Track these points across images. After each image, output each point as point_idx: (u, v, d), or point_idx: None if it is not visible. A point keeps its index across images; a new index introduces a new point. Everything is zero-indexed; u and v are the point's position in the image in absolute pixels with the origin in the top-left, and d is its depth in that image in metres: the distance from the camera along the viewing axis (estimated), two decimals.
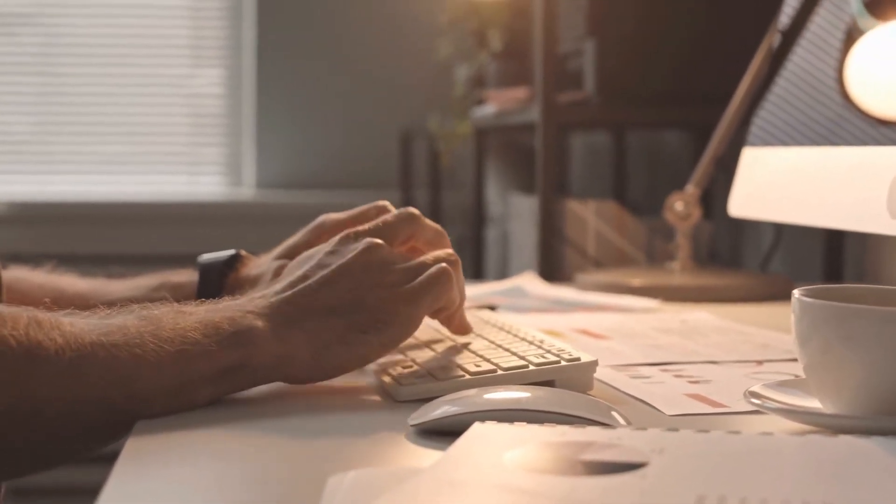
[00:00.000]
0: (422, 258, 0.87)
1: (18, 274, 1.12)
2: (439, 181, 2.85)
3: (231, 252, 1.06)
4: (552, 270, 1.70)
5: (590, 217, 1.72)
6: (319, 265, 0.84)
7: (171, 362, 0.74)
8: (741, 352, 1.03)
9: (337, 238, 0.87)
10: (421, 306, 0.83)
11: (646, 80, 1.76)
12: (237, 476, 0.64)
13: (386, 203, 0.99)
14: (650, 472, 0.58)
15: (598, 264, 1.72)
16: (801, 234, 1.71)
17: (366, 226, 0.89)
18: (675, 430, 0.65)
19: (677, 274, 1.49)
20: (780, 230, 1.62)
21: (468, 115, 2.36)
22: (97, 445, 0.76)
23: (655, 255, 1.72)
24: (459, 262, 0.89)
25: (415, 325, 0.84)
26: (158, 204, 3.49)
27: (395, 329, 0.82)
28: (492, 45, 2.26)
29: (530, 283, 1.51)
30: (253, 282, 1.03)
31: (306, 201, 3.40)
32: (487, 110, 2.22)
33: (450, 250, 0.90)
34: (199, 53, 3.72)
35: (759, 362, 0.97)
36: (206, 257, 1.06)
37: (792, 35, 1.36)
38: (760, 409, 0.71)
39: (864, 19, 1.20)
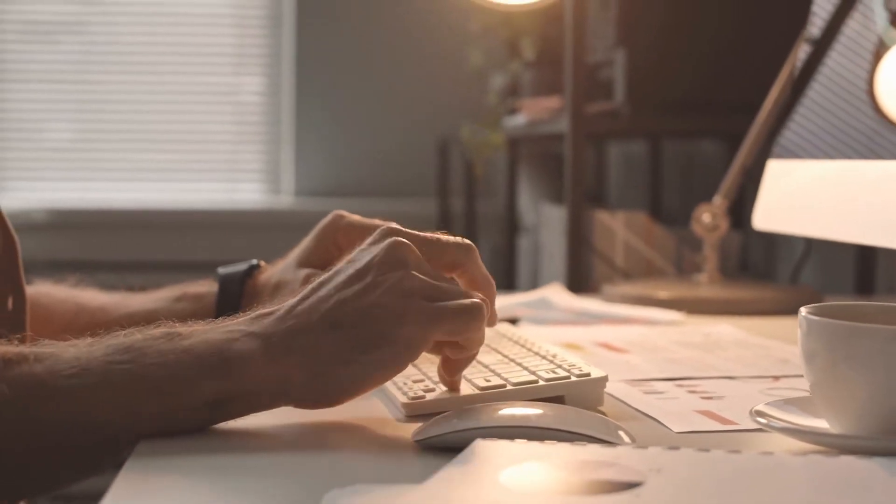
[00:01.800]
0: (458, 285, 0.80)
1: (42, 289, 1.13)
2: (474, 190, 2.85)
3: (250, 263, 1.06)
4: (581, 281, 1.69)
5: (619, 228, 1.71)
6: (349, 260, 0.78)
7: (154, 397, 0.73)
8: (760, 367, 1.02)
9: (373, 236, 0.80)
10: (434, 330, 0.75)
11: (676, 90, 1.75)
12: (236, 490, 0.65)
13: (472, 245, 0.85)
14: (645, 491, 0.58)
15: (627, 275, 1.71)
16: (832, 246, 1.69)
17: (412, 231, 0.82)
18: (676, 448, 0.65)
19: (704, 286, 1.48)
20: (810, 242, 1.61)
21: (500, 125, 2.36)
22: (86, 473, 0.76)
23: (685, 267, 1.71)
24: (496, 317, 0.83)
25: (418, 349, 0.76)
26: (198, 211, 3.51)
27: (396, 351, 0.75)
28: (524, 54, 2.25)
29: (556, 294, 1.51)
30: (273, 289, 1.03)
31: (344, 209, 3.41)
32: (519, 120, 2.22)
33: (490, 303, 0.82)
34: (240, 62, 3.74)
35: (776, 378, 0.97)
36: (226, 268, 1.07)
37: (824, 43, 1.35)
38: (764, 428, 0.71)
39: (891, 34, 1.19)
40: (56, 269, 3.41)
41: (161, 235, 3.43)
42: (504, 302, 1.47)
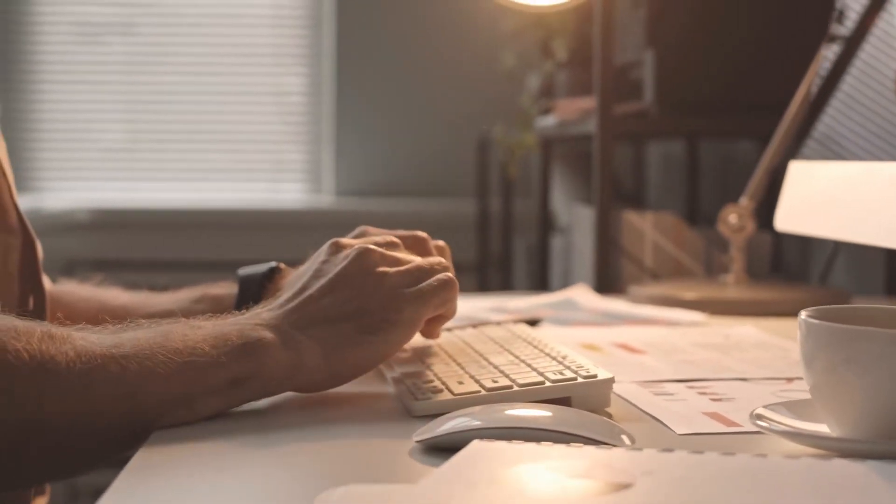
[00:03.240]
0: (417, 262, 0.88)
1: (66, 288, 1.15)
2: (510, 190, 2.86)
3: (270, 265, 1.07)
4: (609, 282, 1.69)
5: (647, 229, 1.71)
6: (315, 276, 0.85)
7: (179, 374, 0.76)
8: (775, 368, 1.02)
9: (325, 247, 0.88)
10: (427, 306, 0.85)
11: (706, 90, 1.75)
12: (236, 488, 0.66)
13: (426, 235, 0.98)
14: (634, 493, 0.59)
15: (656, 276, 1.71)
16: (863, 247, 1.68)
17: (362, 237, 0.94)
18: (670, 451, 0.65)
19: (730, 287, 1.48)
20: (838, 243, 1.60)
21: (532, 126, 2.36)
22: (111, 455, 0.78)
23: (714, 267, 1.70)
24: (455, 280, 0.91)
25: (417, 326, 0.85)
26: (240, 211, 3.54)
27: (402, 328, 0.84)
28: (556, 54, 2.25)
29: (582, 295, 1.51)
30: None
31: (384, 209, 3.43)
32: (551, 120, 2.22)
33: (446, 262, 0.91)
34: (281, 62, 3.76)
35: (790, 380, 0.96)
36: (246, 270, 1.08)
37: (855, 40, 1.34)
38: (763, 431, 0.71)
39: None
40: (99, 268, 3.46)
41: (203, 235, 3.46)
42: (530, 302, 1.47)
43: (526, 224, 2.97)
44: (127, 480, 0.65)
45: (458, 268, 0.99)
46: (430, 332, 0.94)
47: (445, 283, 0.87)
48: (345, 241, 0.90)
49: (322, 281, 0.84)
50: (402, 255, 0.90)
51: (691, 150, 2.43)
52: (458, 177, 3.45)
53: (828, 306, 0.73)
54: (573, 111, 2.09)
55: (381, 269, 0.85)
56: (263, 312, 0.83)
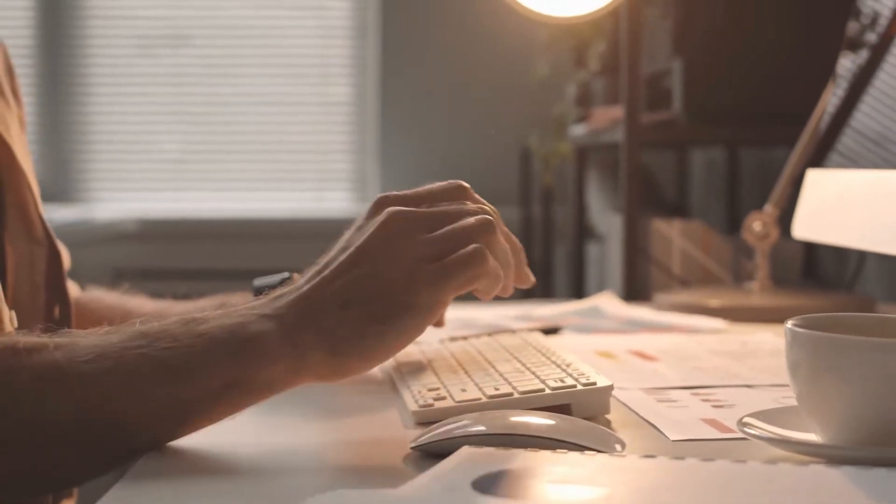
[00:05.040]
0: (458, 224, 0.80)
1: (93, 295, 1.18)
2: (551, 198, 2.87)
3: (284, 275, 1.10)
4: (638, 289, 1.70)
5: (675, 236, 1.72)
6: (342, 248, 0.80)
7: (163, 380, 0.73)
8: (784, 376, 1.02)
9: (371, 205, 0.82)
10: (446, 290, 0.77)
11: (734, 99, 1.75)
12: (227, 492, 0.68)
13: (464, 184, 0.88)
14: (607, 498, 0.60)
15: (684, 284, 1.72)
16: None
17: (401, 192, 0.83)
18: (652, 457, 0.67)
19: (755, 294, 1.48)
20: (864, 251, 1.60)
21: (566, 134, 2.37)
22: (99, 469, 0.75)
23: (742, 275, 1.71)
24: (498, 215, 0.84)
25: (437, 311, 0.77)
26: (286, 220, 3.58)
27: (418, 314, 0.76)
28: (590, 64, 2.27)
29: (607, 303, 1.52)
30: None
31: None
32: (585, 129, 2.24)
33: (487, 205, 0.84)
34: (327, 73, 3.80)
35: None
36: (261, 280, 1.11)
37: (880, 49, 1.34)
38: (749, 438, 0.72)
39: None
40: (146, 277, 3.50)
41: (249, 244, 3.51)
42: (556, 310, 1.49)
43: (566, 232, 2.99)
44: (123, 484, 0.68)
45: None
46: (514, 283, 0.87)
47: (467, 259, 0.77)
48: (391, 196, 0.82)
49: (343, 256, 0.78)
50: (438, 209, 0.81)
51: (732, 157, 2.44)
52: (501, 184, 3.46)
53: (814, 315, 0.74)
54: (606, 120, 2.10)
55: (410, 236, 0.78)
56: (278, 298, 0.78)
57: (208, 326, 0.75)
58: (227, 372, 0.74)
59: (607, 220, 2.23)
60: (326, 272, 0.78)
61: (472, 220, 0.80)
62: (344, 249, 0.79)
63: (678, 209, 2.73)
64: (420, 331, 0.77)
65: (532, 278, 0.91)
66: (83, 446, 0.72)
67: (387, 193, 0.83)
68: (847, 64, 1.40)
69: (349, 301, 0.76)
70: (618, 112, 2.12)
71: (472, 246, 0.78)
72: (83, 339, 0.75)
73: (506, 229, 0.86)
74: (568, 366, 0.91)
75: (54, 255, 1.04)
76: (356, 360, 0.76)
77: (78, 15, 3.77)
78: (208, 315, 0.76)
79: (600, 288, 2.22)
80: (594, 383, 0.85)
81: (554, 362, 0.93)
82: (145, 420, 0.73)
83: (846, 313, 0.75)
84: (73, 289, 1.12)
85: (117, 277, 3.31)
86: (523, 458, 0.67)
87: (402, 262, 0.77)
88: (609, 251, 2.14)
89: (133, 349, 0.73)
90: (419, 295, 0.76)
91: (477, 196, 0.87)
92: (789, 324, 0.72)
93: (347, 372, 0.77)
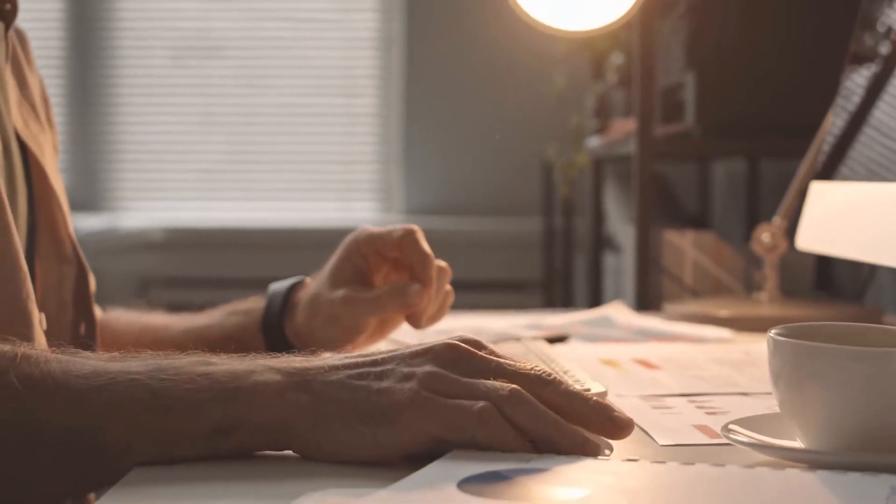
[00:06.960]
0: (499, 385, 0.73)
1: (113, 314, 1.21)
2: (571, 209, 2.90)
3: (296, 279, 1.14)
4: (650, 299, 1.72)
5: (687, 247, 1.74)
6: (375, 364, 0.76)
7: (152, 411, 0.72)
8: None
9: (421, 348, 0.76)
10: (435, 420, 0.72)
11: (747, 111, 1.77)
12: (216, 491, 0.70)
13: (416, 228, 1.07)
14: (586, 499, 0.62)
15: (696, 294, 1.74)
16: None
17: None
18: (634, 460, 0.69)
19: (763, 304, 1.50)
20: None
21: (582, 146, 2.40)
22: (80, 489, 0.75)
23: (753, 285, 1.72)
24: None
25: (418, 438, 0.72)
26: (312, 230, 3.61)
27: (395, 430, 0.72)
28: (607, 76, 2.29)
29: (618, 312, 1.54)
30: (309, 301, 1.11)
31: (453, 227, 3.48)
32: (598, 141, 2.26)
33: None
34: (352, 84, 3.84)
35: None
36: (275, 285, 1.15)
37: (893, 61, 1.36)
38: (732, 443, 0.74)
39: None
40: (172, 286, 3.53)
41: (275, 253, 3.54)
42: (565, 320, 1.51)
43: (585, 242, 3.01)
44: (123, 484, 0.70)
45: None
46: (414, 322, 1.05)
47: (467, 411, 0.71)
48: (442, 351, 0.76)
49: (376, 384, 0.74)
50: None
51: (751, 169, 2.45)
52: (524, 195, 3.50)
53: (797, 324, 0.76)
54: (622, 132, 2.13)
55: (439, 366, 0.74)
56: (292, 359, 0.76)
57: (216, 368, 0.74)
58: (217, 416, 0.72)
59: (623, 231, 2.25)
60: (357, 370, 0.75)
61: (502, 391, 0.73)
62: (380, 377, 0.74)
63: (699, 221, 2.75)
64: (394, 450, 0.72)
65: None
66: (65, 457, 0.72)
67: (465, 341, 0.78)
68: (859, 76, 1.41)
69: (349, 388, 0.73)
70: (633, 124, 2.15)
71: (482, 402, 0.72)
72: (89, 358, 0.75)
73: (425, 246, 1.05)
74: (565, 372, 0.93)
75: (82, 275, 1.06)
76: (333, 445, 0.73)
77: (109, 26, 3.82)
78: (225, 358, 0.76)
79: (617, 298, 2.24)
80: (588, 390, 0.87)
81: (552, 369, 0.95)
82: (127, 443, 0.72)
83: (828, 322, 0.77)
84: (96, 310, 1.15)
85: (144, 286, 3.36)
86: (512, 461, 0.69)
87: (412, 378, 0.74)
88: (625, 261, 2.16)
89: (131, 374, 0.73)
90: (401, 412, 0.72)
91: (423, 246, 1.06)
92: (771, 332, 0.75)
93: (322, 453, 0.73)
